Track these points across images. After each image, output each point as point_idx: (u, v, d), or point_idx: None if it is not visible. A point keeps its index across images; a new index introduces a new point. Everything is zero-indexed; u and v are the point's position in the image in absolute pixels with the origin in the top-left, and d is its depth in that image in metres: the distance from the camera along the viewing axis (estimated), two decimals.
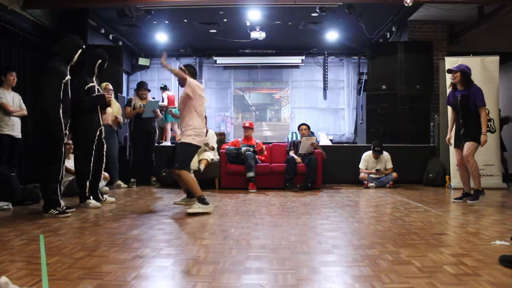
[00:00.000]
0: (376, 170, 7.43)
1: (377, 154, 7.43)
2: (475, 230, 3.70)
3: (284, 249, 3.05)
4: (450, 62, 6.92)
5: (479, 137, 5.20)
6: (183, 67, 4.92)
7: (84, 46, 4.66)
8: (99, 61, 5.11)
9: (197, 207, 4.61)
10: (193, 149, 4.79)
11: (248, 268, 2.57)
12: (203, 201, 4.68)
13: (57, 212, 4.36)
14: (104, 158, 5.32)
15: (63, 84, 4.41)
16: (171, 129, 9.82)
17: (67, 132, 4.63)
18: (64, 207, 4.55)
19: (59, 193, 4.49)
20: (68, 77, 4.52)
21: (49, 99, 4.35)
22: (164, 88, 10.27)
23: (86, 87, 5.02)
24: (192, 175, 5.07)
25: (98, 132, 5.12)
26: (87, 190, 5.07)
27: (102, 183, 5.94)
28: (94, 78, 5.16)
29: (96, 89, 5.13)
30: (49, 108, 4.35)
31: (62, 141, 4.41)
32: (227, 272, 2.48)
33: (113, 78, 7.54)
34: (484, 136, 5.18)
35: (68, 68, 4.58)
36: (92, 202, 5.06)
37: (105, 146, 5.30)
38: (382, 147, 7.44)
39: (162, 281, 2.40)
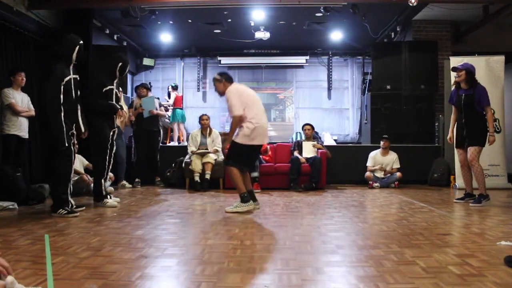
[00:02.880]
0: (384, 170, 7.41)
1: (385, 141, 7.48)
2: (480, 230, 3.68)
3: (289, 249, 3.05)
4: (455, 62, 6.87)
5: (484, 140, 5.15)
6: (218, 77, 4.94)
7: (81, 42, 4.65)
8: (120, 63, 5.21)
9: (234, 206, 4.69)
10: (240, 147, 4.70)
11: (253, 268, 2.57)
12: (244, 199, 4.70)
13: (65, 212, 4.39)
14: (112, 159, 5.38)
15: (62, 86, 4.44)
16: (178, 129, 9.85)
17: (75, 132, 4.66)
18: (74, 206, 4.61)
19: (68, 192, 4.53)
20: (70, 76, 4.55)
21: (49, 101, 4.41)
22: (175, 88, 10.31)
23: (104, 89, 5.13)
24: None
25: (111, 132, 5.24)
26: (103, 188, 5.15)
27: (107, 183, 5.97)
28: (115, 82, 5.26)
29: (114, 92, 5.25)
30: (48, 110, 4.41)
31: (63, 145, 4.43)
32: (232, 272, 2.48)
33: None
34: (492, 137, 5.13)
35: (71, 67, 4.61)
36: (109, 201, 5.15)
37: (114, 147, 5.38)
38: (389, 137, 7.58)
39: (166, 281, 2.40)
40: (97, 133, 5.16)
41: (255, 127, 4.67)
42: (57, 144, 4.42)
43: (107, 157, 5.19)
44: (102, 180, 5.17)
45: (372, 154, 7.61)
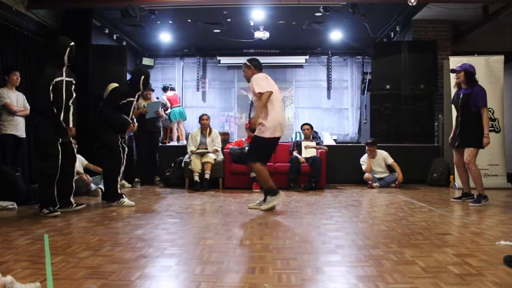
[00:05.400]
0: (379, 178, 7.41)
1: (370, 147, 7.46)
2: (480, 230, 3.69)
3: (288, 249, 3.05)
4: (455, 61, 6.89)
5: (479, 141, 5.13)
6: (248, 63, 5.05)
7: (72, 44, 4.64)
8: (142, 77, 5.29)
9: (269, 202, 4.77)
10: (264, 141, 4.81)
11: (252, 268, 2.57)
12: (273, 192, 4.79)
13: (48, 211, 4.39)
14: (124, 161, 5.38)
15: (51, 86, 4.43)
16: (177, 129, 9.82)
17: (69, 132, 4.66)
18: (74, 205, 4.66)
19: (55, 193, 4.53)
20: (62, 78, 4.54)
21: (39, 100, 4.42)
22: (164, 89, 10.22)
23: (121, 102, 5.20)
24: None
25: (118, 136, 5.29)
26: (118, 188, 5.23)
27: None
28: (137, 94, 5.35)
29: (132, 105, 5.33)
30: (38, 108, 4.44)
31: (52, 139, 4.43)
32: (231, 272, 2.48)
33: (117, 78, 7.54)
34: (486, 138, 5.10)
35: (64, 69, 4.60)
36: (126, 200, 5.18)
37: (126, 150, 5.40)
38: (374, 141, 7.54)
39: (166, 280, 2.40)
40: (105, 135, 5.23)
41: (279, 119, 4.84)
42: (47, 138, 4.42)
43: (123, 156, 5.25)
44: (118, 179, 5.25)
45: (363, 158, 7.63)
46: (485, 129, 5.11)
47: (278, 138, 4.95)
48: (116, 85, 6.74)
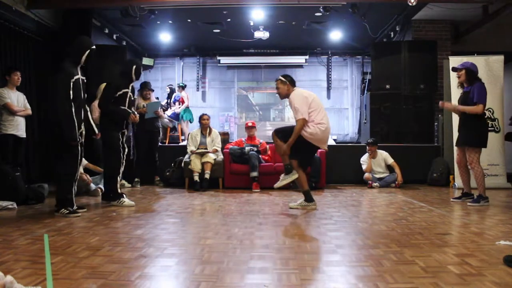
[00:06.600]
0: (379, 178, 7.40)
1: (371, 147, 7.46)
2: (479, 230, 3.69)
3: (288, 248, 3.05)
4: (454, 61, 6.87)
5: (482, 141, 5.11)
6: (283, 79, 4.95)
7: (93, 46, 4.65)
8: (134, 66, 5.28)
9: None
10: (302, 142, 4.76)
11: (252, 267, 2.57)
12: (287, 169, 4.84)
13: (67, 211, 4.38)
14: (124, 161, 5.34)
15: (71, 84, 4.41)
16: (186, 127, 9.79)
17: (84, 132, 4.65)
18: (76, 207, 4.59)
19: (73, 193, 4.51)
20: (78, 76, 4.52)
21: (59, 100, 4.36)
22: (183, 87, 10.10)
23: (118, 93, 5.17)
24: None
25: (120, 134, 5.27)
26: (118, 187, 5.20)
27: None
28: (130, 85, 5.31)
29: (128, 96, 5.29)
30: (60, 109, 4.35)
31: (75, 140, 4.41)
32: (231, 272, 2.48)
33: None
34: (449, 104, 5.25)
35: (79, 68, 4.58)
36: (126, 200, 5.16)
37: (126, 150, 5.39)
38: (375, 141, 7.53)
39: (166, 280, 2.40)
40: (106, 135, 5.21)
41: (324, 130, 4.78)
42: (69, 139, 4.37)
43: (123, 156, 5.22)
44: (118, 178, 5.22)
45: (363, 158, 7.62)
46: (465, 108, 5.13)
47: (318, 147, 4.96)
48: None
